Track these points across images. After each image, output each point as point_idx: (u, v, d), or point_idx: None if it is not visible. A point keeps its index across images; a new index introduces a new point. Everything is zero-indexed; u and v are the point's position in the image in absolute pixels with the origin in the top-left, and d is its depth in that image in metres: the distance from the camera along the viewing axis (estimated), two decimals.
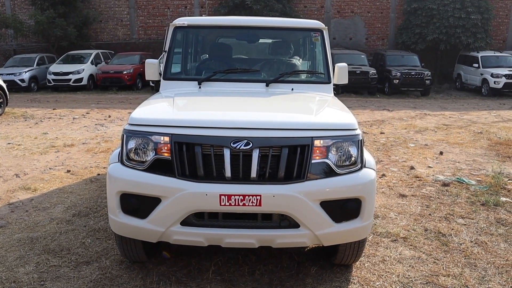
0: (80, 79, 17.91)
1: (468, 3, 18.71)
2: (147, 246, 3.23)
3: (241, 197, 2.64)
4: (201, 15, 21.22)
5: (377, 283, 3.18)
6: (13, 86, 16.79)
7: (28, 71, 18.02)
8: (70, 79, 17.77)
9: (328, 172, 2.76)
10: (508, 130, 9.57)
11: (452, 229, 4.15)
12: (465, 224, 4.28)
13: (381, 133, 9.14)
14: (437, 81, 20.10)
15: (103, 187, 5.29)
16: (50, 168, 6.20)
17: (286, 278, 3.24)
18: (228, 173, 2.68)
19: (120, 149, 2.95)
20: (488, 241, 3.91)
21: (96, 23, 21.68)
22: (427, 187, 5.45)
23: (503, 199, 4.94)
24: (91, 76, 18.40)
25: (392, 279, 3.23)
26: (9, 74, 17.42)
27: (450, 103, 15.56)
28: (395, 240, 3.89)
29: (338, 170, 2.78)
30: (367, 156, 3.02)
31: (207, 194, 2.65)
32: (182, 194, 2.67)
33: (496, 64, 17.92)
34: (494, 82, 17.04)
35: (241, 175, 2.70)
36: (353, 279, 3.24)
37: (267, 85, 3.85)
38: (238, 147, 2.67)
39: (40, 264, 3.42)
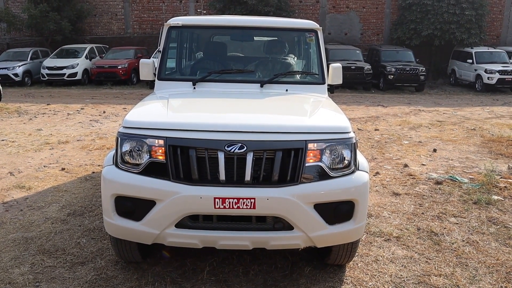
0: (75, 74, 17.81)
1: None
2: (142, 247, 3.25)
3: (235, 200, 2.66)
4: (196, 10, 21.11)
5: (370, 283, 3.22)
6: (6, 80, 16.71)
7: (22, 65, 17.88)
8: (64, 74, 17.67)
9: (322, 175, 2.79)
10: (501, 127, 9.65)
11: (445, 228, 4.20)
12: (457, 223, 4.33)
13: (376, 129, 9.19)
14: (432, 76, 20.18)
15: (97, 186, 5.29)
16: (44, 166, 6.19)
17: (280, 278, 3.28)
18: (222, 176, 2.70)
19: (114, 151, 2.95)
20: (479, 240, 3.97)
21: (91, 17, 21.52)
22: (420, 185, 5.50)
23: (495, 197, 5.00)
24: (85, 71, 18.29)
25: (385, 279, 3.28)
26: (3, 68, 17.32)
27: (444, 98, 15.64)
28: (388, 240, 3.94)
29: (331, 173, 2.81)
30: (361, 159, 3.05)
31: (202, 197, 2.67)
32: (176, 197, 2.68)
33: (489, 60, 18.01)
34: (488, 78, 17.12)
35: (235, 178, 2.72)
36: (346, 279, 3.28)
37: (261, 86, 3.86)
38: (232, 150, 2.68)
39: (35, 265, 3.43)
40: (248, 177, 2.69)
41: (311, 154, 2.77)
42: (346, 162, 2.85)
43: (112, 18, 22.03)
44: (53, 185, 5.37)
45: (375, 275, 3.34)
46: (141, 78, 4.09)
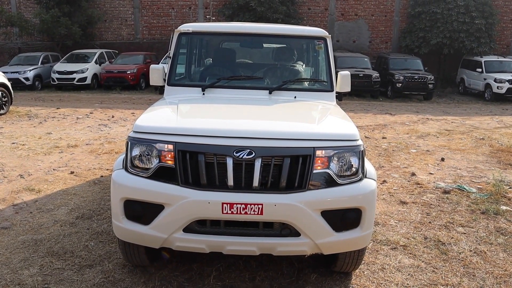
0: (84, 78, 18.02)
1: (472, 8, 18.71)
2: (150, 251, 3.27)
3: (243, 205, 2.68)
4: (205, 16, 21.27)
5: None
6: (17, 84, 16.94)
7: (32, 69, 18.15)
8: (74, 78, 17.88)
9: (329, 182, 2.80)
10: (510, 137, 9.58)
11: (452, 237, 4.18)
12: (464, 233, 4.30)
13: (383, 138, 9.17)
14: (440, 85, 20.11)
15: (106, 189, 5.34)
16: (54, 169, 6.25)
17: (286, 284, 3.28)
18: (230, 181, 2.72)
19: (124, 155, 2.99)
20: (487, 250, 3.94)
21: (101, 23, 21.78)
22: (427, 194, 5.48)
23: (503, 207, 4.96)
24: (95, 76, 18.50)
25: None
26: (14, 72, 17.56)
27: (452, 107, 15.57)
28: (394, 248, 3.93)
29: (339, 180, 2.82)
30: (368, 166, 3.05)
31: (210, 202, 2.69)
32: (185, 201, 2.71)
33: (499, 69, 17.93)
34: (497, 87, 17.04)
35: (243, 184, 2.74)
36: (352, 287, 3.27)
37: (270, 93, 3.89)
38: (240, 156, 2.71)
39: (44, 267, 3.47)
40: (256, 183, 2.71)
41: (319, 161, 2.78)
42: (353, 169, 2.86)
43: (122, 24, 22.28)
44: (62, 188, 5.43)
45: (381, 283, 3.33)
46: (151, 83, 4.15)
